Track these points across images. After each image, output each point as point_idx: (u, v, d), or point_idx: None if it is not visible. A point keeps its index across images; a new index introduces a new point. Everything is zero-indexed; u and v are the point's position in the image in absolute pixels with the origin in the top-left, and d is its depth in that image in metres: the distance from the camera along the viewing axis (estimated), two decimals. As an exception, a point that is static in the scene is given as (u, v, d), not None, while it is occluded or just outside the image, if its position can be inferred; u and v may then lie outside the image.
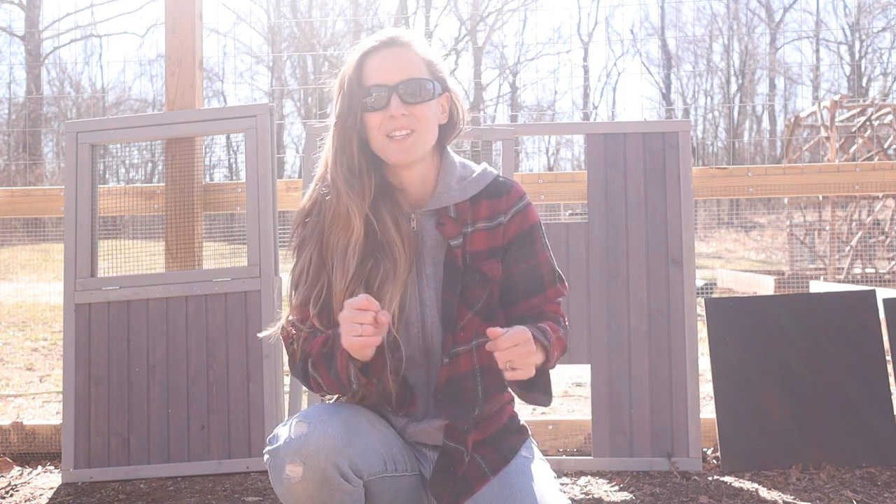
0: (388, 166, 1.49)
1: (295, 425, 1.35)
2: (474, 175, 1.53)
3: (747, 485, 2.46)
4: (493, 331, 1.29)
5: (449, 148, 1.55)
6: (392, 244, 1.45)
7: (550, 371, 1.47)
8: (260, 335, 1.55)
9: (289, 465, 1.32)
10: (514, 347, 1.28)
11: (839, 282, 9.23)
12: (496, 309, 1.52)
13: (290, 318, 1.48)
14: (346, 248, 1.44)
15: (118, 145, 3.09)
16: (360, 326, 1.28)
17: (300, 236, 1.51)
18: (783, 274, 10.46)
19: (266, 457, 1.38)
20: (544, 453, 2.75)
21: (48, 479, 2.69)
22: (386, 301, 1.42)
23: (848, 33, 25.99)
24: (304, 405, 2.71)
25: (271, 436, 1.39)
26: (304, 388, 1.52)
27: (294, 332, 1.47)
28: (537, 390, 1.44)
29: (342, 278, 1.44)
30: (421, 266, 1.49)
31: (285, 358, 2.42)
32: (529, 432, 1.61)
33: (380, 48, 1.44)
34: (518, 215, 1.51)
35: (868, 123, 10.71)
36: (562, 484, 2.49)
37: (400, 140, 1.43)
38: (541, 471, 1.51)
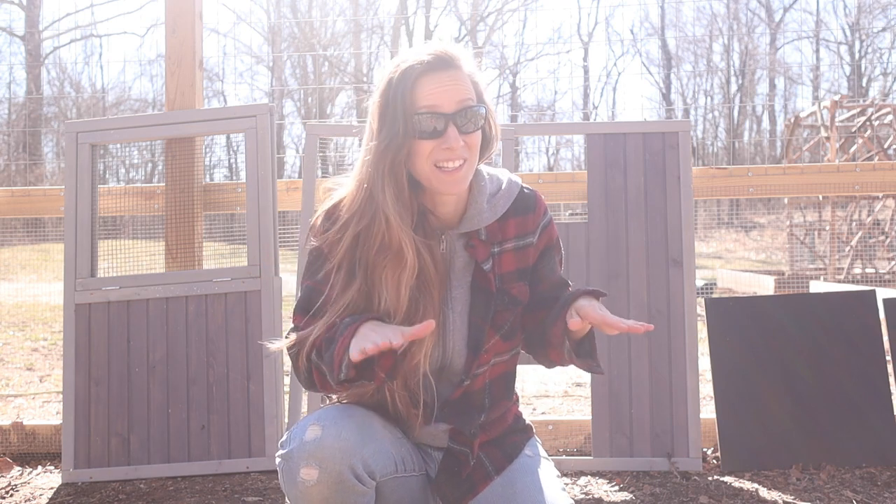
0: (425, 190, 1.43)
1: (308, 428, 1.34)
2: (502, 189, 1.49)
3: (747, 485, 2.46)
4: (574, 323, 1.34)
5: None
6: (430, 281, 1.40)
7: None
8: (264, 342, 1.51)
9: (303, 469, 1.31)
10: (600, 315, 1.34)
11: (839, 282, 9.23)
12: (518, 328, 1.51)
13: (298, 325, 1.42)
14: (398, 283, 1.38)
15: (118, 145, 3.09)
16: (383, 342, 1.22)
17: (338, 251, 1.40)
18: (783, 274, 10.46)
19: (278, 461, 1.36)
20: (544, 453, 2.76)
21: (48, 479, 2.69)
22: (426, 341, 1.39)
23: (848, 33, 26.03)
24: (304, 405, 2.71)
25: (283, 440, 1.37)
26: (308, 389, 1.47)
27: (297, 337, 1.40)
28: (587, 356, 1.43)
29: (396, 313, 1.38)
30: (448, 288, 1.46)
31: (285, 358, 2.43)
32: (534, 430, 1.62)
33: (434, 70, 1.34)
34: (545, 231, 1.51)
35: (868, 123, 10.71)
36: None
37: (452, 171, 1.36)
38: (544, 470, 1.52)
